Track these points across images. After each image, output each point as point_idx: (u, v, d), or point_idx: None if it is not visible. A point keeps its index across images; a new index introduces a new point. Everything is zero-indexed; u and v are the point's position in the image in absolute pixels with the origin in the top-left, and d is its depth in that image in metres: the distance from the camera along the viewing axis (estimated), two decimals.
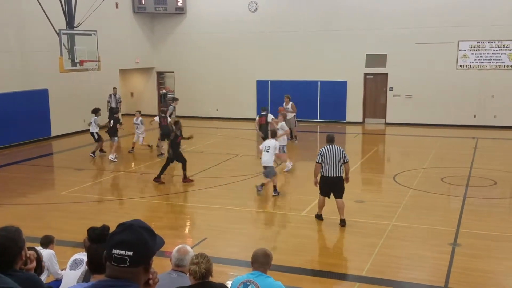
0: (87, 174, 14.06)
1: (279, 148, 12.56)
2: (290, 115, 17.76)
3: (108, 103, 20.83)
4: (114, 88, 21.20)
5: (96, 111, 16.01)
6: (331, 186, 9.57)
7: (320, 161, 9.51)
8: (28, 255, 2.98)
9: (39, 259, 3.27)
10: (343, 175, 9.60)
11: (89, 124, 15.97)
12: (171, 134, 13.17)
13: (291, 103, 18.23)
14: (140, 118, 16.62)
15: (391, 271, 7.69)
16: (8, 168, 14.96)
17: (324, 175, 9.54)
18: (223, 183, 12.95)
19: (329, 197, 9.71)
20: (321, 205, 9.80)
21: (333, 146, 9.59)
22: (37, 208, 11.10)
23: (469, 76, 20.99)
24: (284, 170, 13.70)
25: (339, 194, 9.62)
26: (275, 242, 9.03)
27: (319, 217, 9.89)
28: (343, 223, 9.54)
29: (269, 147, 11.53)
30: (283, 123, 13.92)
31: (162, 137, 15.46)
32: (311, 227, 9.64)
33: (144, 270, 2.17)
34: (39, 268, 3.33)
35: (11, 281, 1.70)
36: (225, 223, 10.07)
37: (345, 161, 9.53)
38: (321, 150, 9.62)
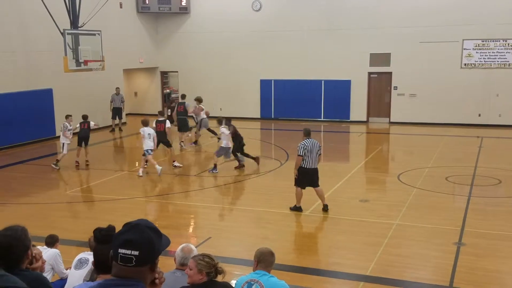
0: (91, 173, 14.09)
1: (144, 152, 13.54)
2: (202, 115, 17.37)
3: (111, 103, 20.93)
4: (117, 88, 21.26)
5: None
6: (311, 177, 10.05)
7: (303, 154, 9.90)
8: (34, 254, 3.00)
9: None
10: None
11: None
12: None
13: (198, 106, 17.47)
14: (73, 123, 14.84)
15: (396, 270, 7.68)
16: (12, 167, 15.00)
17: (305, 167, 9.96)
18: (227, 182, 12.96)
19: (304, 188, 10.15)
20: (300, 197, 10.18)
21: (311, 139, 10.06)
22: (42, 208, 11.13)
23: (474, 75, 20.92)
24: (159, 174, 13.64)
25: (317, 183, 10.15)
26: (279, 241, 9.02)
27: (298, 209, 10.19)
28: (326, 208, 10.13)
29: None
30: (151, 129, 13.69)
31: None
32: (315, 226, 9.64)
33: (150, 269, 2.18)
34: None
35: (19, 280, 1.71)
36: (229, 222, 10.09)
37: (320, 153, 10.11)
38: (303, 143, 9.99)
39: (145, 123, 13.71)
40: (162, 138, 14.48)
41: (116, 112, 20.97)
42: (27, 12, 17.81)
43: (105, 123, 21.15)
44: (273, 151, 17.19)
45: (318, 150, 10.02)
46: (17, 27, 17.67)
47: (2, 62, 17.17)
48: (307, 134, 10.15)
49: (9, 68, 17.39)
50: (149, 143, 13.48)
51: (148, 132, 13.53)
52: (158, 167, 13.46)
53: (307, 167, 9.95)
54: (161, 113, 15.51)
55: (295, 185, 10.25)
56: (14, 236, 2.88)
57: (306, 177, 10.04)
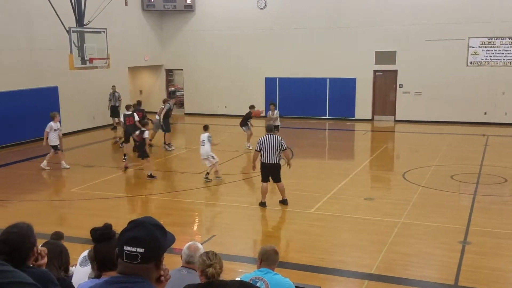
0: (96, 171, 14.13)
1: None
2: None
3: (109, 101, 20.62)
4: (113, 86, 20.77)
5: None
6: (269, 172, 10.32)
7: (258, 149, 10.27)
8: (39, 251, 3.01)
9: (67, 253, 3.29)
10: (281, 162, 10.39)
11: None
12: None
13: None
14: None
15: (401, 268, 7.66)
16: (18, 165, 15.07)
17: (263, 161, 10.30)
18: (231, 180, 12.98)
19: (268, 181, 10.43)
20: (264, 192, 10.45)
21: (270, 135, 10.30)
22: (47, 205, 11.18)
23: (480, 73, 20.84)
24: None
25: (277, 178, 10.42)
26: (284, 239, 9.03)
27: (263, 204, 10.42)
28: (285, 202, 10.46)
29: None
30: None
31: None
32: (320, 224, 9.63)
33: (156, 266, 2.19)
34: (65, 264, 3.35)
35: (26, 276, 1.72)
36: (234, 220, 10.10)
37: (283, 149, 10.26)
38: (259, 139, 10.37)
39: (52, 117, 13.77)
40: (131, 132, 14.32)
41: (114, 110, 20.45)
42: (32, 10, 17.86)
43: (109, 121, 21.20)
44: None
45: (278, 146, 10.16)
46: (23, 25, 17.73)
47: (8, 60, 17.23)
48: (267, 130, 10.53)
49: (15, 66, 17.46)
50: (55, 139, 13.58)
51: (55, 127, 13.70)
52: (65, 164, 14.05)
53: (264, 161, 10.27)
54: (128, 107, 15.34)
55: (261, 180, 10.57)
56: (20, 233, 2.90)
57: (264, 171, 10.37)
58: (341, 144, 18.60)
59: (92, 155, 15.97)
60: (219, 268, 3.97)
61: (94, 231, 3.11)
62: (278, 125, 16.44)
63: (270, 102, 18.07)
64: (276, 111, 16.75)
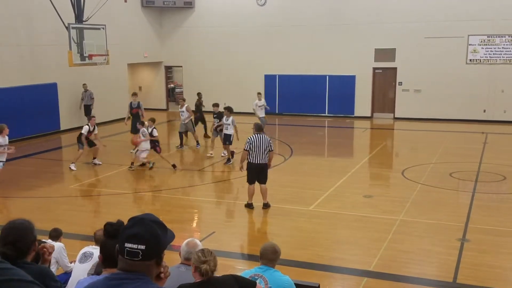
0: (95, 168, 14.12)
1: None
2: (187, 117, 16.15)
3: (81, 100, 19.77)
4: (84, 84, 19.70)
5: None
6: (257, 172, 10.06)
7: (248, 149, 9.95)
8: (47, 247, 3.03)
9: (39, 252, 3.30)
10: (268, 162, 10.12)
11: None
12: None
13: (186, 105, 16.41)
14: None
15: (399, 266, 7.68)
16: (17, 161, 15.03)
17: (251, 162, 10.01)
18: (230, 177, 12.98)
19: (254, 183, 10.17)
20: (250, 194, 10.21)
21: (260, 135, 10.02)
22: (46, 201, 11.18)
23: (479, 70, 20.84)
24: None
25: (263, 180, 10.13)
26: (283, 236, 9.04)
27: (249, 205, 10.21)
28: (266, 206, 10.15)
29: None
30: None
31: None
32: (319, 221, 9.65)
33: (156, 263, 2.19)
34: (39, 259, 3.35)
35: (25, 273, 1.71)
36: (233, 217, 10.11)
37: (270, 150, 10.02)
38: (249, 138, 10.06)
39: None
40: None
41: (87, 109, 19.51)
42: (32, 6, 17.82)
43: (107, 118, 21.16)
44: (277, 146, 17.17)
45: (267, 147, 9.90)
46: (22, 21, 17.68)
47: (7, 56, 17.21)
48: (257, 129, 10.12)
49: (14, 62, 17.43)
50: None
51: (2, 143, 12.22)
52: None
53: (253, 162, 9.97)
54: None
55: (247, 181, 10.27)
56: (21, 227, 2.91)
57: (252, 172, 10.09)
58: (340, 142, 18.61)
59: (91, 152, 15.94)
60: (213, 266, 3.96)
61: (110, 225, 3.11)
62: (231, 135, 14.08)
63: (224, 105, 15.09)
64: (231, 118, 14.04)
